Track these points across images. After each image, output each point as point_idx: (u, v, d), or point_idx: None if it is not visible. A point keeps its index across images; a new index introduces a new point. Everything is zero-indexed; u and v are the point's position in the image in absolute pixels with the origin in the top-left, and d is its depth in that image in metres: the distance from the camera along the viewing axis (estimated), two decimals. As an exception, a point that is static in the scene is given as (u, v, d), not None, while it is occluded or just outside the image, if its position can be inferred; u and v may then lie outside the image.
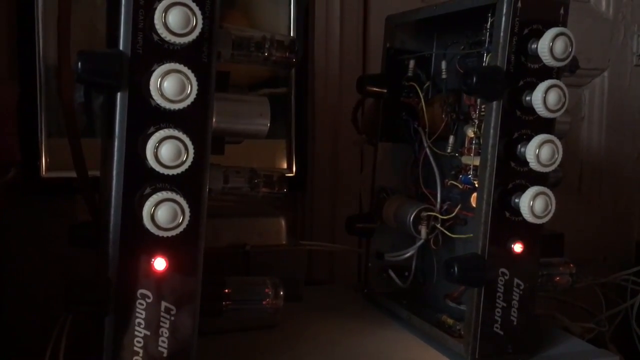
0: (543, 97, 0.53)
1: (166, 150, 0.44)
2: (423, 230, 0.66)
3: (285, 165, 0.91)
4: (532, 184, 0.55)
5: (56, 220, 0.78)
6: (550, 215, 0.54)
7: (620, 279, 0.99)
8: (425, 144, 0.69)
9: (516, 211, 0.55)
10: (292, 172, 0.90)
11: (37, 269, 0.78)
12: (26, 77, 0.78)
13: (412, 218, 0.66)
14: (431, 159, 0.68)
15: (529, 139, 0.54)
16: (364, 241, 0.77)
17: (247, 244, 0.62)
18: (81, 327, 0.55)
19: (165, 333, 0.48)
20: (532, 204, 0.53)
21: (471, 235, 0.59)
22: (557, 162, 0.54)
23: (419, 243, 0.69)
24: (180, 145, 0.44)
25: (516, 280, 0.57)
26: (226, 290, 0.54)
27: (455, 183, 0.65)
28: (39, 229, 0.79)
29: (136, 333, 0.47)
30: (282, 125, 0.90)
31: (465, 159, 0.63)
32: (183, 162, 0.44)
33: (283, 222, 0.65)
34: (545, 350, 0.61)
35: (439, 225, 0.66)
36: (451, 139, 0.66)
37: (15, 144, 0.76)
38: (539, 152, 0.53)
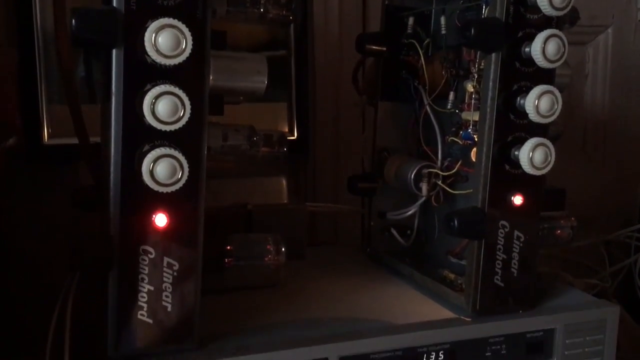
0: (542, 47, 0.52)
1: (163, 106, 0.44)
2: (424, 188, 0.66)
3: (286, 129, 0.91)
4: (532, 136, 0.55)
5: (60, 188, 0.78)
6: (550, 166, 0.54)
7: (624, 236, 0.99)
8: (426, 102, 0.69)
9: (516, 164, 0.55)
10: (293, 136, 0.90)
11: (42, 236, 0.78)
12: (24, 44, 0.78)
13: (413, 175, 0.66)
14: (431, 116, 0.68)
15: (528, 90, 0.54)
16: (367, 203, 0.77)
17: (248, 203, 0.62)
18: (87, 287, 0.56)
19: (169, 288, 0.49)
20: (531, 155, 0.53)
21: (472, 190, 0.59)
22: (557, 113, 0.53)
23: (420, 201, 0.69)
24: (177, 100, 0.44)
25: (516, 233, 0.57)
26: (228, 247, 0.55)
27: (455, 139, 0.65)
28: (42, 197, 0.79)
29: (140, 288, 0.48)
30: (282, 88, 0.89)
31: (465, 115, 0.63)
32: (180, 118, 0.44)
33: (284, 182, 0.66)
34: (547, 302, 0.61)
35: (440, 182, 0.66)
36: (451, 95, 0.66)
37: (15, 110, 0.76)
38: (538, 102, 0.52)
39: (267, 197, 0.65)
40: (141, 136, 0.46)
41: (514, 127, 0.55)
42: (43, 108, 0.80)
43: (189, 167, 0.45)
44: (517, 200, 0.56)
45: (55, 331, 0.54)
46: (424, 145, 0.70)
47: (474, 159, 0.59)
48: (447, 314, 0.59)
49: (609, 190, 1.12)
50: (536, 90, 0.52)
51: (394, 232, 0.74)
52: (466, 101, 0.63)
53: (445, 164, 0.66)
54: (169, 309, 0.49)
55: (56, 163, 0.80)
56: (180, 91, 0.44)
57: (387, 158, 0.73)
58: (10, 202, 0.78)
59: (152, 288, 0.48)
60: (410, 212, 0.72)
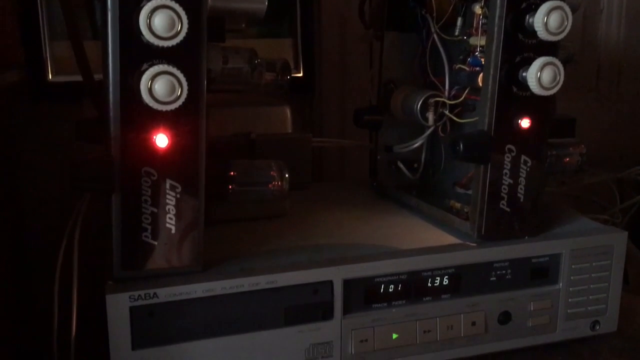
0: (552, -39, 0.50)
1: (159, 21, 0.43)
2: (430, 117, 0.65)
3: (292, 66, 0.89)
4: (541, 56, 0.53)
5: (65, 125, 0.78)
6: (559, 86, 0.53)
7: (636, 174, 0.98)
8: (433, 30, 0.67)
9: (524, 86, 0.54)
10: (299, 73, 0.89)
11: (49, 173, 0.79)
12: (25, -22, 0.77)
13: (419, 105, 0.65)
14: (439, 45, 0.67)
15: (537, 8, 0.52)
16: (374, 138, 0.76)
17: (252, 132, 0.61)
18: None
19: (172, 210, 0.49)
20: (539, 74, 0.52)
21: (478, 118, 0.58)
22: (567, 30, 0.52)
23: (427, 132, 0.68)
24: (174, 14, 0.43)
25: (523, 157, 0.56)
26: (231, 173, 0.54)
27: (463, 67, 0.63)
28: (48, 134, 0.79)
29: (143, 210, 0.48)
30: (287, 24, 0.88)
31: (473, 40, 0.62)
32: (178, 33, 0.44)
33: (289, 112, 0.65)
34: (553, 228, 0.61)
35: (447, 112, 0.65)
36: (459, 21, 0.64)
37: (17, 47, 0.76)
38: (547, 19, 0.51)
39: (271, 127, 0.64)
40: (139, 54, 0.45)
41: (522, 47, 0.54)
42: (46, 45, 0.79)
43: (188, 85, 0.45)
44: (525, 123, 0.55)
45: (65, 254, 0.54)
46: (431, 75, 0.69)
47: (481, 84, 0.58)
48: (452, 239, 0.59)
49: (621, 129, 1.10)
50: (546, 6, 0.51)
51: (400, 165, 0.74)
52: (474, 25, 0.61)
53: (453, 92, 0.65)
54: (173, 230, 0.49)
55: (61, 100, 0.79)
56: (177, 5, 0.43)
57: (393, 90, 0.72)
58: (15, 139, 0.78)
59: (155, 210, 0.48)
60: (417, 145, 0.71)
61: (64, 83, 0.79)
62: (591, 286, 0.60)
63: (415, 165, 0.73)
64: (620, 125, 1.11)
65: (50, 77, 0.80)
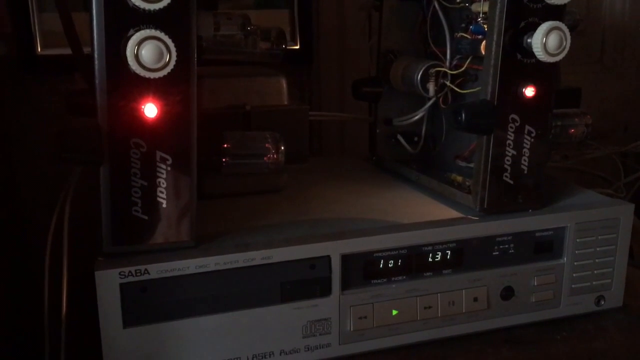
0: None
1: (145, -18, 0.41)
2: (431, 88, 0.63)
3: (289, 38, 0.87)
4: (546, 21, 0.51)
5: (56, 99, 0.77)
6: (565, 52, 0.51)
7: (641, 148, 0.96)
8: (434, -3, 0.65)
9: (528, 52, 0.52)
10: (297, 45, 0.87)
11: (40, 147, 0.77)
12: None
13: (419, 75, 0.63)
14: (440, 13, 0.64)
15: (543, -29, 0.50)
16: (373, 111, 0.74)
17: (247, 104, 0.59)
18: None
19: (163, 184, 0.47)
20: (545, 40, 0.50)
21: (481, 88, 0.56)
22: (573, -7, 0.49)
23: (428, 104, 0.66)
24: (160, -24, 0.41)
25: (527, 127, 0.54)
26: (225, 145, 0.52)
27: (465, 35, 0.61)
28: (39, 108, 0.77)
29: (133, 183, 0.46)
30: (284, -7, 0.85)
31: (475, 7, 0.59)
32: (164, -4, 0.41)
33: (284, 83, 0.63)
34: (558, 201, 0.59)
35: (448, 82, 0.63)
36: (461, -13, 0.62)
37: (4, 16, 0.74)
38: (553, -19, 0.49)
39: (266, 98, 0.62)
40: (125, 18, 0.43)
41: (527, 11, 0.52)
42: (34, 17, 0.77)
43: (176, 51, 0.43)
44: (529, 92, 0.53)
45: (56, 230, 0.53)
46: (432, 45, 0.67)
47: (483, 52, 0.56)
48: (454, 213, 0.57)
49: (626, 101, 1.08)
50: (552, -32, 0.48)
51: (400, 138, 0.72)
52: (477, -9, 0.59)
53: (454, 62, 0.63)
54: (164, 204, 0.48)
55: (51, 74, 0.77)
56: (164, -34, 0.41)
57: (393, 61, 0.70)
58: (4, 113, 0.76)
59: (145, 183, 0.47)
60: (417, 117, 0.69)
61: (54, 56, 0.77)
62: (596, 260, 0.59)
63: (416, 138, 0.72)
64: (625, 97, 1.08)
65: (39, 50, 0.77)
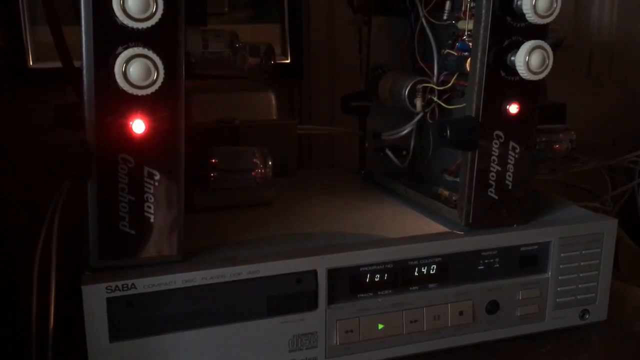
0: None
1: (133, 1, 0.41)
2: (418, 103, 0.64)
3: (280, 52, 0.88)
4: (529, 40, 0.52)
5: (46, 111, 0.77)
6: (547, 70, 0.52)
7: (628, 161, 0.97)
8: (421, 14, 0.65)
9: (512, 70, 0.53)
10: (287, 59, 0.87)
11: (29, 159, 0.77)
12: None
13: (407, 91, 0.64)
14: (427, 29, 0.65)
15: (525, -10, 0.51)
16: (363, 125, 0.75)
17: (235, 118, 0.60)
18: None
19: (151, 199, 0.48)
20: (528, 58, 0.51)
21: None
22: (556, 13, 0.50)
23: (415, 119, 0.67)
24: (148, -4, 0.42)
25: (512, 143, 0.55)
26: (212, 160, 0.53)
27: (451, 52, 0.62)
28: (30, 121, 0.77)
29: (120, 198, 0.47)
30: (275, 9, 0.86)
31: (461, 24, 0.60)
32: (153, 14, 0.42)
33: (273, 97, 0.63)
34: (543, 216, 0.60)
35: (435, 98, 0.64)
36: (447, 5, 0.63)
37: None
38: (536, 1, 0.49)
39: (255, 112, 0.63)
40: (114, 36, 0.43)
41: (510, 30, 0.52)
42: (26, 30, 0.78)
43: (164, 69, 0.43)
44: (513, 109, 0.54)
45: (44, 244, 0.53)
46: (419, 61, 0.67)
47: (469, 69, 0.57)
48: (440, 228, 0.58)
49: (614, 115, 1.09)
50: (534, -12, 0.49)
51: (388, 152, 0.73)
52: (462, 9, 0.60)
53: (441, 78, 0.64)
54: (152, 219, 0.48)
55: (42, 86, 0.78)
56: (151, -15, 0.42)
57: (381, 75, 0.71)
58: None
59: (132, 198, 0.47)
60: (405, 132, 0.70)
61: (45, 69, 0.78)
62: (581, 275, 0.59)
63: (404, 152, 0.72)
64: (612, 111, 1.09)
65: (30, 64, 0.78)
